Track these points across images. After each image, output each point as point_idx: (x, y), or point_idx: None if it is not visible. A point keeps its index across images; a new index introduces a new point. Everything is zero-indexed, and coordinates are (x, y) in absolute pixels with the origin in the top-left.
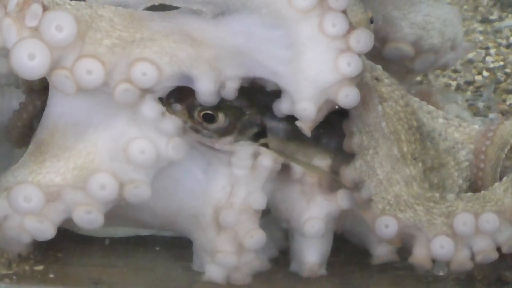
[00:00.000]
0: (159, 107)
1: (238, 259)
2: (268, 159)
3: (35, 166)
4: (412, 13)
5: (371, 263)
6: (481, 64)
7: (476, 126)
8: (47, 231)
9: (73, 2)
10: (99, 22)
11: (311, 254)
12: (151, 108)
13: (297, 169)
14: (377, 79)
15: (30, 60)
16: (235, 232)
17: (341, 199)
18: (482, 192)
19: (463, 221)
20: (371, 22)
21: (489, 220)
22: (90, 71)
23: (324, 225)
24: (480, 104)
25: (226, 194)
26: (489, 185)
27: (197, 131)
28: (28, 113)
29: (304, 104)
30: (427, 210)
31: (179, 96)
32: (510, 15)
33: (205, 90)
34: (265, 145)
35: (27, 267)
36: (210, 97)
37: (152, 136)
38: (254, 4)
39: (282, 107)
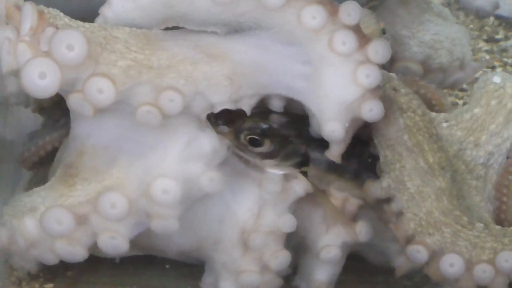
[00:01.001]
0: (215, 141)
1: (261, 279)
2: (301, 186)
3: (65, 189)
4: (420, 32)
5: (395, 275)
6: None
7: (466, 116)
8: (79, 254)
9: (87, 25)
10: (114, 44)
11: (322, 273)
12: (208, 141)
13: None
14: (394, 89)
15: (41, 79)
16: (260, 253)
17: (360, 231)
18: (511, 228)
19: (483, 269)
20: (384, 33)
21: (508, 259)
22: (101, 90)
23: (340, 252)
24: None
25: (254, 216)
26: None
27: (240, 151)
28: (46, 151)
29: (331, 125)
30: (454, 233)
31: (228, 118)
32: None
33: (220, 104)
34: (304, 173)
35: (36, 286)
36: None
37: (185, 173)
38: (268, 24)
39: (314, 129)
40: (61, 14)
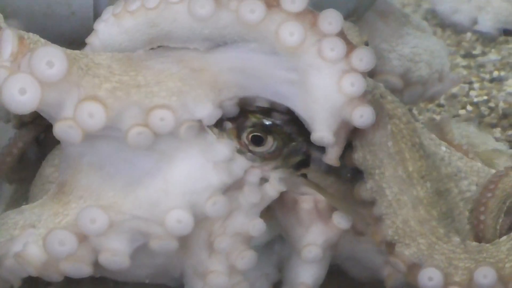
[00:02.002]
0: (224, 174)
1: (229, 280)
2: (273, 188)
3: (60, 208)
4: (400, 45)
5: (386, 286)
6: (465, 99)
7: (479, 164)
8: (85, 271)
9: (69, 51)
10: (97, 70)
11: (306, 275)
12: (216, 174)
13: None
14: (381, 96)
15: (21, 95)
16: (227, 254)
17: (339, 222)
18: (487, 245)
19: None
20: (366, 45)
21: (487, 274)
22: (92, 114)
23: (322, 251)
24: None
25: (222, 217)
26: (490, 237)
27: (241, 153)
28: (18, 149)
29: (320, 132)
30: (429, 245)
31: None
32: (493, 50)
33: (207, 114)
34: (304, 175)
35: None
36: (213, 119)
37: (192, 202)
38: (250, 37)
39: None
40: (42, 40)
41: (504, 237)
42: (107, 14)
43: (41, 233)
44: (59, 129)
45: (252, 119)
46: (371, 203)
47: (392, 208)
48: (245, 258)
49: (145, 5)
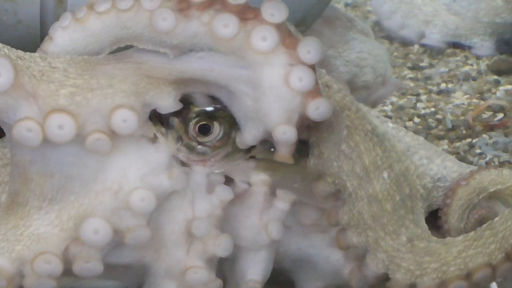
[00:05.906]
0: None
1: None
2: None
3: (20, 220)
4: (346, 51)
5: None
6: (412, 111)
7: (421, 138)
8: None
9: (27, 55)
10: (52, 74)
11: (254, 271)
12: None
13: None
14: (327, 86)
15: None
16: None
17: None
18: (438, 245)
19: None
20: None
21: None
22: (62, 126)
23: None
24: None
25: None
26: (454, 221)
27: (191, 148)
28: None
29: (281, 128)
30: (376, 241)
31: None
32: (440, 62)
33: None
34: (253, 157)
35: None
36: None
37: (151, 182)
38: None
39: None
40: (0, 44)
41: (460, 237)
42: (66, 21)
43: (4, 246)
44: (17, 132)
45: (195, 109)
46: (335, 194)
47: (351, 199)
48: (222, 243)
49: (117, 6)
